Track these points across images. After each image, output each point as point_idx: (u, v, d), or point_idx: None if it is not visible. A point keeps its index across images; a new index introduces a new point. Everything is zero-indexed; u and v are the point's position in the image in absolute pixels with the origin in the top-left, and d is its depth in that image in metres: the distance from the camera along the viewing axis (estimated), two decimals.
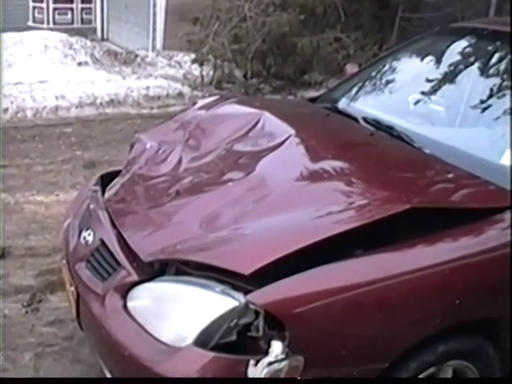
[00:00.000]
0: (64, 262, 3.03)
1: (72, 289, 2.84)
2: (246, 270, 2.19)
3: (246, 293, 2.22)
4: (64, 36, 10.75)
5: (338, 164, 2.83)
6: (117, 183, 3.25)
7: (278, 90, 9.00)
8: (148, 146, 3.45)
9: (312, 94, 8.79)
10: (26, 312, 3.78)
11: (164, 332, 2.33)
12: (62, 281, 3.89)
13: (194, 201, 2.76)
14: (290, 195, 2.66)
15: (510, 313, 2.50)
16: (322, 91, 8.86)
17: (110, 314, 2.50)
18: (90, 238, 2.86)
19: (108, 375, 2.63)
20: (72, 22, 14.51)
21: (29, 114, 7.83)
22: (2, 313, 3.76)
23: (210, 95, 8.54)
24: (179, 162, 3.17)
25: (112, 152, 6.48)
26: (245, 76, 9.21)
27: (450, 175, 2.78)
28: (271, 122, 3.27)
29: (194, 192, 2.83)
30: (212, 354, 2.19)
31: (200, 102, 3.95)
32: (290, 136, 3.05)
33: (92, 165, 6.11)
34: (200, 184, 2.89)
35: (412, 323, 2.35)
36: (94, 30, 14.27)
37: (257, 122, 3.28)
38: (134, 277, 2.51)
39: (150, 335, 2.34)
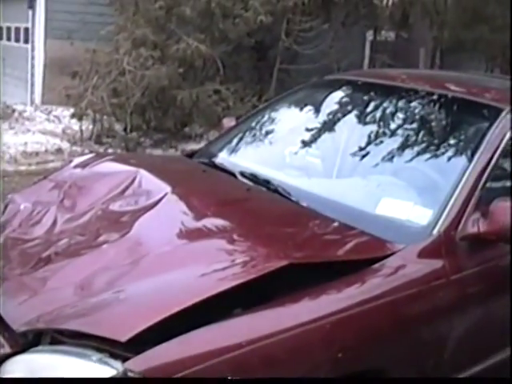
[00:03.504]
0: None
1: None
2: (123, 337, 2.12)
3: (124, 360, 2.16)
4: None
5: (215, 221, 2.82)
6: None
7: (158, 144, 9.00)
8: (22, 207, 3.33)
9: (193, 146, 8.87)
10: None
11: None
12: None
13: (69, 265, 2.67)
14: (168, 255, 2.62)
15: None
16: (202, 143, 8.97)
17: None
18: None
19: None
20: None
21: None
22: None
23: (90, 151, 8.46)
24: (54, 223, 3.08)
25: None
26: (125, 130, 9.16)
27: (328, 228, 2.83)
28: (147, 180, 3.24)
29: (69, 255, 2.74)
30: None
31: (75, 160, 3.86)
32: (166, 194, 3.03)
33: None
34: (75, 247, 2.80)
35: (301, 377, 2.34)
36: None
37: (133, 180, 3.24)
38: (6, 349, 2.38)
39: None
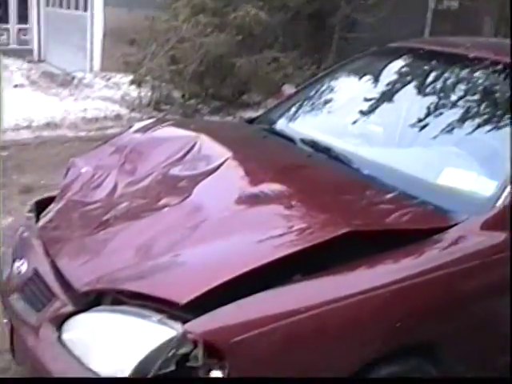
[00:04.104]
0: None
1: (5, 321, 2.75)
2: (182, 299, 2.15)
3: (183, 322, 2.18)
4: None
5: (275, 187, 2.81)
6: (51, 210, 3.17)
7: (216, 111, 8.99)
8: (83, 170, 3.37)
9: (250, 114, 8.82)
10: None
11: (101, 364, 2.25)
12: None
13: (130, 228, 2.71)
14: (228, 220, 2.62)
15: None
16: (260, 112, 8.89)
17: (44, 347, 2.42)
18: (23, 268, 2.77)
19: None
20: (8, 43, 14.25)
21: None
22: None
23: (149, 117, 8.51)
24: (114, 187, 3.11)
25: (49, 176, 6.34)
26: (183, 97, 9.17)
27: (389, 196, 2.78)
28: (208, 145, 3.24)
29: (130, 218, 2.77)
30: None
31: (136, 125, 3.89)
32: (226, 159, 3.02)
33: (28, 190, 5.96)
34: (136, 210, 2.83)
35: (353, 348, 2.34)
36: (31, 51, 14.08)
37: (193, 146, 3.24)
38: (69, 307, 2.43)
39: (87, 369, 2.26)
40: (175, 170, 3.10)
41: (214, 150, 3.18)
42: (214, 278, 2.19)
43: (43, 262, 2.70)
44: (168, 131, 3.60)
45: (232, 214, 2.68)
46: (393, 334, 2.39)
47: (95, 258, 2.61)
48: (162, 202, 2.83)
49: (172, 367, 2.16)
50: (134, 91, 9.36)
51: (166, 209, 2.76)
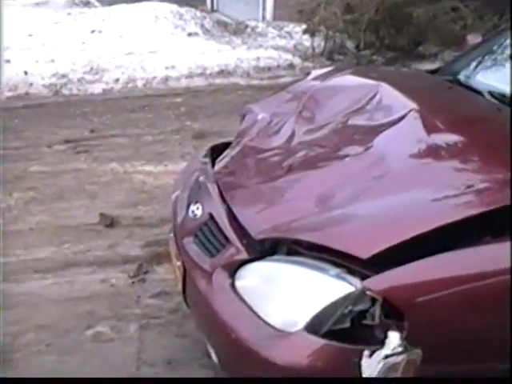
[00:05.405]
0: (171, 235, 2.96)
1: (178, 263, 2.76)
2: (364, 254, 2.04)
3: (362, 278, 2.08)
4: (174, 7, 10.73)
5: (463, 142, 2.61)
6: (227, 155, 3.15)
7: (391, 62, 8.69)
8: (259, 117, 3.33)
9: (426, 66, 8.46)
10: (133, 283, 3.76)
11: (273, 315, 2.20)
12: (168, 254, 3.89)
13: (309, 177, 2.61)
14: (411, 174, 2.46)
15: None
16: (436, 64, 8.57)
17: (217, 292, 2.40)
18: (198, 212, 2.76)
19: (213, 354, 2.55)
20: None
21: (139, 84, 7.86)
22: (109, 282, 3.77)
23: (321, 66, 8.38)
24: (292, 134, 3.03)
25: (221, 123, 6.40)
26: (357, 47, 8.95)
27: None
28: (390, 95, 3.07)
29: (309, 167, 2.68)
30: (324, 341, 2.07)
31: (313, 73, 3.79)
32: (411, 110, 2.83)
33: (201, 135, 6.05)
34: (315, 159, 2.73)
35: None
36: (204, 0, 14.25)
37: (374, 95, 3.09)
38: (244, 255, 2.39)
39: (258, 317, 2.22)
40: (355, 120, 2.97)
41: (396, 100, 3.00)
42: (398, 234, 2.08)
43: (218, 207, 2.67)
44: (347, 79, 3.47)
45: (415, 168, 2.52)
46: None
47: (272, 205, 2.54)
48: (342, 151, 2.71)
49: (347, 324, 2.08)
50: (306, 41, 9.24)
51: (346, 159, 2.64)
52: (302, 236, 2.26)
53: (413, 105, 2.88)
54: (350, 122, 2.95)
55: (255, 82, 8.02)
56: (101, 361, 3.14)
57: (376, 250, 2.03)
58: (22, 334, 3.34)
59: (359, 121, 2.95)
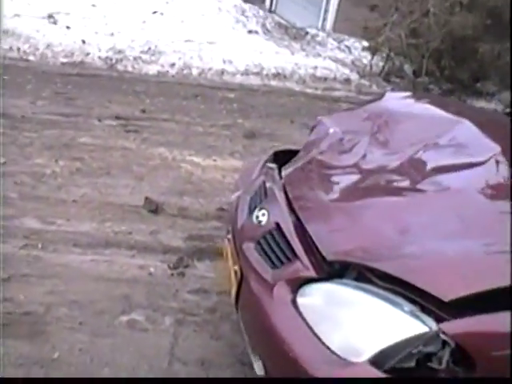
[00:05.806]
0: (229, 236, 2.89)
1: (236, 268, 2.69)
2: (447, 296, 1.97)
3: (436, 319, 2.00)
4: (238, 1, 10.72)
5: None
6: (294, 164, 3.08)
7: (446, 94, 8.59)
8: (331, 131, 3.25)
9: (482, 104, 8.39)
10: (172, 275, 3.70)
11: (335, 340, 2.14)
12: (212, 251, 3.82)
13: (387, 204, 2.53)
14: (495, 221, 2.37)
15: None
16: (493, 104, 8.46)
17: (277, 305, 2.33)
18: (263, 219, 2.68)
19: (258, 365, 2.48)
20: None
21: (194, 72, 7.82)
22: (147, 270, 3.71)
23: (378, 86, 8.32)
24: (365, 155, 2.95)
25: (273, 125, 6.35)
26: (414, 73, 8.85)
27: None
28: (472, 133, 2.98)
29: (387, 194, 2.59)
30: (386, 377, 2.00)
31: (388, 95, 3.70)
32: (494, 154, 2.74)
33: (252, 135, 5.99)
34: (393, 187, 2.64)
35: None
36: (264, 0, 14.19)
37: (456, 131, 3.00)
38: (311, 272, 2.32)
39: (319, 339, 2.16)
40: (434, 153, 2.86)
41: (479, 140, 2.91)
42: (485, 281, 1.99)
43: (287, 218, 2.59)
44: (426, 108, 3.39)
45: (501, 215, 2.41)
46: None
47: (348, 228, 2.45)
48: (422, 184, 2.59)
49: (411, 363, 2.01)
50: (365, 58, 9.16)
51: (427, 193, 2.53)
52: (378, 265, 2.18)
53: (497, 148, 2.79)
54: (429, 155, 2.83)
55: (310, 91, 7.95)
56: (133, 350, 3.08)
57: (461, 295, 1.96)
58: (55, 307, 3.30)
59: (439, 155, 2.85)
